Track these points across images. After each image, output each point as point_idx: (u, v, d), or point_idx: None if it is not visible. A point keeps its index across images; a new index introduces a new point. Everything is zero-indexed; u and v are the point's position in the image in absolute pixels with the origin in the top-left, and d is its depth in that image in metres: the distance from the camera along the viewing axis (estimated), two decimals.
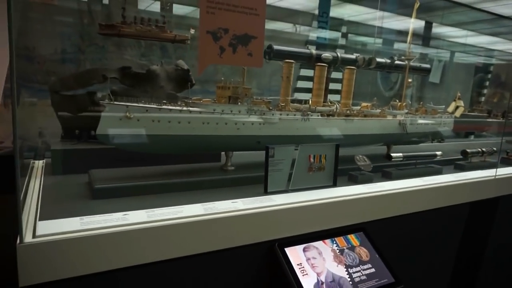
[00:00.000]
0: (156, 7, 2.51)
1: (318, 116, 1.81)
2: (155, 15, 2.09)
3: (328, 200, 1.52)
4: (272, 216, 1.38)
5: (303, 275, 1.31)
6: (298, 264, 1.34)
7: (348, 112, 1.95)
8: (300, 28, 3.81)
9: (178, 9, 2.60)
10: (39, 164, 1.77)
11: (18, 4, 2.09)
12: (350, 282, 1.37)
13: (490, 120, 3.42)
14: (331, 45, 4.09)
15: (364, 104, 2.12)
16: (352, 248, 1.51)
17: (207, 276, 1.34)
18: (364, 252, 1.51)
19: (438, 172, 2.07)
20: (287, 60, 1.76)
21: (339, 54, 2.25)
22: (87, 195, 1.39)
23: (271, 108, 1.70)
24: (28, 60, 2.18)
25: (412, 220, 1.82)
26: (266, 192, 1.52)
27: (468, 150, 2.24)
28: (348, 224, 1.59)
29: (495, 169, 2.16)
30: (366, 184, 1.74)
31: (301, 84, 3.30)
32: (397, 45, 4.46)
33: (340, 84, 3.14)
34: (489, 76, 5.21)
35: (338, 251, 1.46)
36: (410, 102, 2.31)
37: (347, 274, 1.39)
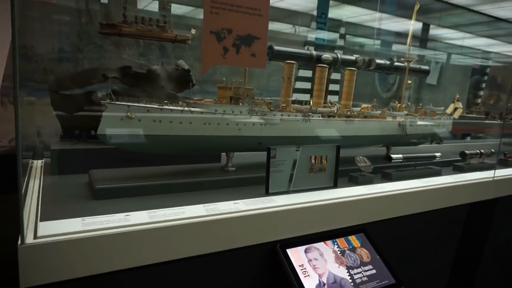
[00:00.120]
0: (154, 6, 2.51)
1: (319, 117, 1.81)
2: (153, 14, 2.08)
3: (329, 201, 1.52)
4: (274, 217, 1.38)
5: (305, 276, 1.31)
6: (300, 266, 1.34)
7: (348, 113, 1.95)
8: (299, 29, 3.82)
9: (176, 9, 2.59)
10: (38, 164, 1.76)
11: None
12: (352, 284, 1.37)
13: (488, 121, 3.45)
14: (329, 46, 4.10)
15: (364, 105, 2.12)
16: (353, 249, 1.51)
17: (208, 278, 1.33)
18: (365, 253, 1.51)
19: (437, 174, 2.08)
20: (288, 61, 1.76)
21: (339, 55, 2.26)
22: (87, 196, 1.38)
23: (272, 108, 1.70)
24: (26, 59, 2.16)
25: (412, 221, 1.83)
26: (267, 193, 1.51)
27: (467, 152, 2.25)
28: (349, 225, 1.59)
29: (493, 171, 2.18)
30: (366, 185, 1.74)
31: (299, 85, 3.30)
32: (395, 47, 4.48)
33: (338, 85, 3.15)
34: (486, 78, 5.24)
35: (339, 252, 1.46)
36: (409, 104, 2.32)
37: (348, 275, 1.39)
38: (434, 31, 4.79)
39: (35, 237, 1.01)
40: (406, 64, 2.46)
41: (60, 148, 1.62)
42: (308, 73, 3.40)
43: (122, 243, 1.10)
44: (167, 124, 1.46)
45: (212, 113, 1.52)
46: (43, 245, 0.99)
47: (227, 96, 1.61)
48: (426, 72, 2.61)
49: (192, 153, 1.68)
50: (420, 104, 2.38)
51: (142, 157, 1.57)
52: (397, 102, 2.30)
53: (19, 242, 0.98)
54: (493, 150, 2.37)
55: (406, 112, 2.22)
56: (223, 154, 1.88)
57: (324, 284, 1.32)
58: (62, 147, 1.65)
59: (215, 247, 1.28)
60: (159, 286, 1.22)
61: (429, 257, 2.06)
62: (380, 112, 2.08)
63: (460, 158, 2.32)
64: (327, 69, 1.88)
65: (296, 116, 1.73)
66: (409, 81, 2.28)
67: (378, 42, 4.33)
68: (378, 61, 2.38)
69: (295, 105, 1.83)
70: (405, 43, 4.89)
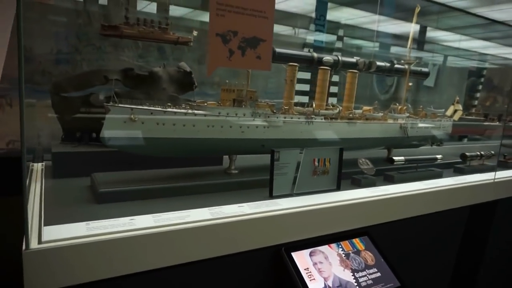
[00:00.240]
0: (152, 8, 2.49)
1: (321, 119, 1.81)
2: (151, 16, 2.07)
3: (333, 204, 1.51)
4: (279, 220, 1.37)
5: (310, 280, 1.30)
6: (305, 269, 1.33)
7: (350, 115, 1.95)
8: (298, 31, 3.82)
9: (174, 11, 2.58)
10: (38, 167, 1.74)
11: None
12: (357, 287, 1.36)
13: (487, 123, 3.47)
14: (328, 48, 4.11)
15: (365, 107, 2.12)
16: (357, 252, 1.50)
17: (213, 282, 1.32)
18: (369, 256, 1.51)
19: (439, 176, 2.08)
20: (291, 63, 1.76)
21: (340, 58, 2.26)
22: (90, 199, 1.37)
23: (275, 111, 1.69)
24: (24, 60, 2.13)
25: (414, 224, 1.83)
26: (271, 196, 1.51)
27: (467, 154, 2.26)
28: (353, 228, 1.58)
29: (494, 172, 2.19)
30: (369, 188, 1.74)
31: (298, 87, 3.30)
32: (393, 49, 4.50)
33: (337, 87, 3.16)
34: (482, 80, 5.28)
35: (344, 255, 1.46)
36: (409, 106, 2.33)
37: (353, 278, 1.39)
38: (431, 33, 4.82)
39: (40, 242, 0.99)
40: (406, 66, 2.47)
41: (61, 151, 1.60)
42: (306, 75, 3.40)
43: (127, 248, 1.08)
44: (171, 126, 1.45)
45: (216, 116, 1.51)
46: (48, 250, 0.98)
47: (230, 99, 1.60)
48: (426, 75, 2.62)
49: (195, 155, 1.67)
50: (421, 106, 2.38)
51: (143, 160, 1.56)
52: (397, 104, 2.30)
53: (24, 247, 0.96)
54: (493, 152, 2.38)
55: (407, 115, 2.22)
56: (225, 156, 1.88)
57: None
58: (63, 150, 1.63)
59: (221, 251, 1.27)
60: None
61: (430, 259, 2.06)
62: (382, 114, 2.08)
63: (460, 160, 2.32)
64: (329, 72, 1.88)
65: (299, 118, 1.73)
66: (410, 84, 2.28)
67: (376, 44, 4.35)
68: (378, 63, 2.38)
69: (298, 107, 1.82)
70: (402, 45, 4.93)
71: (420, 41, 4.65)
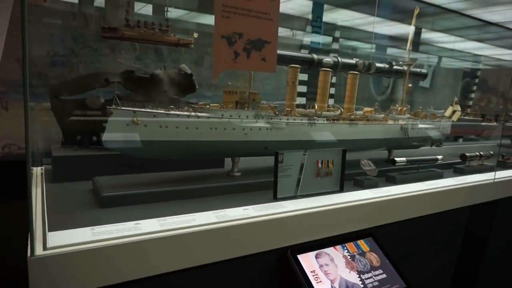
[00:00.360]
0: (148, 9, 2.48)
1: (324, 121, 1.81)
2: (147, 17, 2.05)
3: (337, 205, 1.51)
4: (284, 222, 1.36)
5: (317, 283, 1.30)
6: (311, 272, 1.32)
7: (352, 117, 1.96)
8: (295, 33, 3.83)
9: (170, 13, 2.57)
10: (38, 171, 1.71)
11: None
12: None
13: (485, 124, 3.50)
14: (324, 50, 4.12)
15: (366, 109, 2.13)
16: (362, 253, 1.50)
17: (219, 286, 1.31)
18: (374, 258, 1.50)
19: (440, 176, 2.09)
20: (292, 65, 1.75)
21: (339, 59, 2.26)
22: (93, 203, 1.35)
23: (277, 113, 1.69)
24: (19, 63, 2.11)
25: (416, 224, 1.83)
26: (275, 198, 1.50)
27: (467, 154, 2.27)
28: (357, 229, 1.58)
29: (493, 173, 2.20)
30: (372, 189, 1.74)
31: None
32: (389, 50, 4.53)
33: (334, 88, 3.16)
34: (476, 81, 5.34)
35: (349, 257, 1.45)
36: (409, 107, 2.33)
37: (359, 280, 1.38)
38: (426, 34, 4.86)
39: (45, 248, 0.97)
40: (404, 67, 2.48)
41: (62, 155, 1.57)
42: (304, 77, 3.41)
43: (134, 253, 1.07)
44: (174, 129, 1.43)
45: (219, 118, 1.50)
46: (53, 256, 0.96)
47: (233, 101, 1.59)
48: (424, 76, 2.64)
49: (198, 158, 1.65)
50: (421, 107, 2.39)
51: (143, 163, 1.54)
52: (397, 105, 2.31)
53: (29, 254, 0.94)
54: (492, 152, 2.40)
55: (408, 115, 2.23)
56: (227, 159, 1.86)
57: None
58: (64, 153, 1.60)
59: (227, 255, 1.26)
60: None
61: (432, 259, 2.07)
62: (383, 115, 2.09)
63: (460, 161, 2.34)
64: (330, 73, 1.88)
65: (301, 120, 1.72)
66: (410, 85, 2.29)
67: (372, 45, 4.38)
68: (378, 64, 2.39)
69: (299, 109, 1.82)
70: (398, 47, 4.96)
71: (415, 43, 4.68)
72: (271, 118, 1.64)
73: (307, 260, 1.35)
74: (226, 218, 1.27)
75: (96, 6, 2.40)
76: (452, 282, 2.27)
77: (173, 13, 2.67)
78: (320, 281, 1.31)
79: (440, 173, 2.10)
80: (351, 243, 1.52)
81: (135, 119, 1.36)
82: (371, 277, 1.41)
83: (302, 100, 3.17)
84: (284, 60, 1.96)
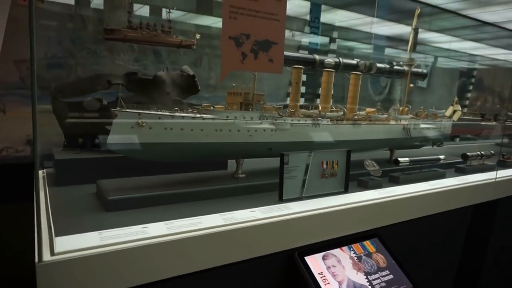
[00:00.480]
0: (145, 11, 2.47)
1: (327, 121, 1.80)
2: (144, 19, 2.04)
3: (343, 206, 1.51)
4: (291, 224, 1.36)
5: (325, 284, 1.29)
6: (319, 273, 1.32)
7: (356, 117, 1.95)
8: (294, 33, 3.83)
9: (165, 13, 2.56)
10: (39, 174, 1.69)
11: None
12: None
13: (484, 123, 3.52)
14: (322, 51, 4.13)
15: (369, 109, 2.13)
16: (369, 254, 1.50)
17: None
18: (381, 259, 1.50)
19: (442, 176, 2.09)
20: (296, 66, 1.75)
21: (341, 60, 2.26)
22: (98, 207, 1.33)
23: (281, 114, 1.68)
24: (15, 65, 2.09)
25: (419, 224, 1.83)
26: (281, 200, 1.49)
27: (468, 154, 2.28)
28: (363, 230, 1.58)
29: (494, 172, 2.21)
30: (376, 190, 1.74)
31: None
32: (387, 51, 4.54)
33: (332, 89, 3.16)
34: (473, 80, 5.37)
35: (356, 258, 1.45)
36: (410, 107, 2.34)
37: (367, 281, 1.38)
38: (423, 34, 4.88)
39: (52, 254, 0.96)
40: (405, 68, 2.48)
41: (65, 158, 1.55)
42: (303, 77, 3.40)
43: (142, 257, 1.06)
44: (179, 131, 1.42)
45: (224, 119, 1.49)
46: (62, 262, 0.94)
47: (237, 102, 1.58)
48: (425, 76, 2.64)
49: (203, 160, 1.64)
50: (422, 107, 2.40)
51: (146, 165, 1.52)
52: (398, 106, 2.31)
53: (36, 260, 0.93)
54: (492, 152, 2.41)
55: (410, 116, 2.24)
56: (229, 161, 1.85)
57: None
58: (66, 156, 1.58)
59: (234, 257, 1.25)
60: None
61: (435, 259, 2.07)
62: (386, 115, 2.09)
63: (461, 160, 2.35)
64: (333, 74, 1.88)
65: (305, 121, 1.72)
66: (411, 85, 2.30)
67: (370, 45, 4.39)
68: (379, 65, 2.39)
69: (303, 110, 1.81)
70: (395, 47, 4.96)
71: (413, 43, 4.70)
72: (276, 119, 1.63)
73: (314, 262, 1.35)
74: (233, 221, 1.26)
75: (94, 8, 2.38)
76: (454, 281, 2.27)
77: (167, 14, 2.66)
78: (328, 283, 1.30)
79: (442, 173, 2.11)
80: (357, 244, 1.51)
81: (140, 121, 1.34)
82: (378, 278, 1.41)
83: (301, 101, 3.17)
84: (286, 61, 1.95)
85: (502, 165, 2.46)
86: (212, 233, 1.18)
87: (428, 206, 1.83)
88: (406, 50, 5.22)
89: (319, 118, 1.76)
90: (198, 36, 1.83)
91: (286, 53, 1.99)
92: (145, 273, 1.07)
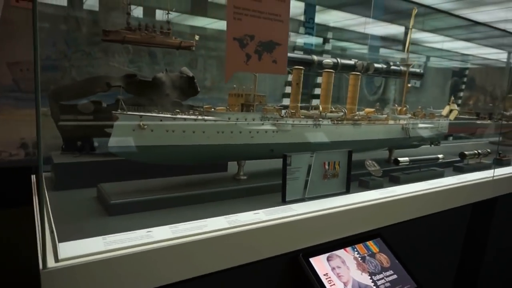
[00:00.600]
0: (138, 12, 2.44)
1: (328, 122, 1.80)
2: (138, 20, 2.03)
3: (345, 207, 1.50)
4: (295, 226, 1.35)
5: (330, 286, 1.28)
6: (324, 275, 1.31)
7: (356, 117, 1.96)
8: (290, 34, 3.82)
9: (161, 15, 2.54)
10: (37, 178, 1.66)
11: None
12: None
13: (480, 122, 3.57)
14: (316, 51, 4.14)
15: (368, 109, 2.13)
16: (372, 255, 1.50)
17: None
18: (384, 259, 1.50)
19: (441, 175, 2.11)
20: (296, 67, 1.74)
21: (339, 60, 2.27)
22: (100, 211, 1.31)
23: (282, 115, 1.68)
24: (9, 67, 2.06)
25: (419, 224, 1.84)
26: (284, 201, 1.48)
27: (466, 152, 2.30)
28: (365, 230, 1.58)
29: (492, 170, 2.23)
30: (378, 190, 1.74)
31: (289, 89, 3.30)
32: (380, 50, 4.57)
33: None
34: (465, 79, 5.43)
35: (360, 258, 1.45)
36: (407, 107, 2.35)
37: (372, 282, 1.38)
38: (416, 35, 4.92)
39: (57, 260, 0.94)
40: (401, 67, 2.50)
41: (64, 162, 1.53)
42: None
43: (148, 262, 1.04)
44: (180, 133, 1.40)
45: (226, 121, 1.48)
46: (66, 268, 0.92)
47: (238, 103, 1.57)
48: (421, 76, 2.66)
49: (204, 162, 1.63)
50: (420, 107, 2.41)
51: (145, 168, 1.50)
52: (396, 106, 2.32)
53: (41, 266, 0.91)
54: (489, 150, 2.43)
55: (409, 115, 2.25)
56: (230, 162, 1.84)
57: None
58: (65, 160, 1.56)
59: (239, 260, 1.24)
60: None
61: (435, 257, 2.08)
62: (386, 116, 2.10)
63: (459, 159, 2.36)
64: (333, 74, 1.87)
65: (307, 122, 1.72)
66: (410, 85, 2.31)
67: (364, 46, 4.42)
68: (376, 65, 2.41)
69: (304, 111, 1.81)
70: (388, 47, 4.98)
71: (405, 43, 4.74)
72: (277, 121, 1.62)
73: (319, 263, 1.34)
74: (238, 223, 1.24)
75: (88, 10, 2.36)
76: (454, 279, 2.29)
77: (163, 15, 2.64)
78: (334, 284, 1.29)
79: (441, 172, 2.12)
80: (361, 244, 1.51)
81: (141, 123, 1.33)
82: (382, 278, 1.41)
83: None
84: None
85: (498, 163, 2.49)
86: (218, 236, 1.17)
87: (428, 205, 1.83)
88: (399, 50, 5.25)
89: (320, 119, 1.75)
90: (197, 37, 1.81)
91: None
92: (151, 278, 1.05)
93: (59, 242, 1.01)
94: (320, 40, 4.15)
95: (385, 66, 2.48)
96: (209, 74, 2.88)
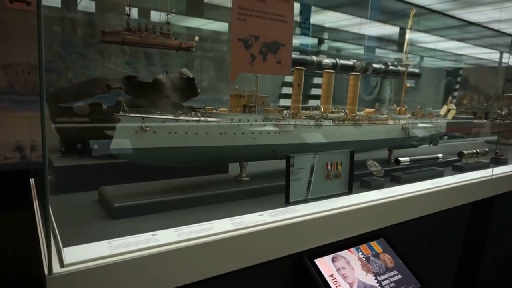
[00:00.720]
0: (134, 13, 2.42)
1: (330, 122, 1.80)
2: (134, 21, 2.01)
3: (348, 208, 1.50)
4: (299, 227, 1.34)
5: (336, 287, 1.28)
6: (329, 276, 1.31)
7: (356, 118, 1.96)
8: None
9: (155, 15, 2.53)
10: (35, 182, 1.63)
11: None
12: None
13: (477, 121, 3.60)
14: (312, 52, 4.14)
15: (368, 109, 2.14)
16: (376, 255, 1.49)
17: None
18: (388, 259, 1.50)
19: (441, 174, 2.12)
20: (297, 67, 1.74)
21: (338, 60, 2.27)
22: (103, 215, 1.29)
23: (284, 116, 1.67)
24: (3, 69, 2.03)
25: (420, 224, 1.84)
26: (287, 203, 1.48)
27: (464, 152, 2.31)
28: (369, 230, 1.58)
29: (491, 169, 2.25)
30: (379, 190, 1.74)
31: (287, 90, 3.30)
32: (376, 51, 4.60)
33: (320, 89, 3.18)
34: (459, 79, 5.48)
35: (364, 259, 1.44)
36: (406, 107, 2.36)
37: (376, 282, 1.37)
38: (410, 35, 4.94)
39: (62, 265, 0.92)
40: (399, 68, 2.51)
41: (65, 165, 1.50)
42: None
43: (153, 265, 1.03)
44: (183, 135, 1.39)
45: (228, 123, 1.47)
46: (72, 274, 0.91)
47: (240, 105, 1.56)
48: (419, 76, 2.68)
49: (207, 164, 1.62)
50: (418, 107, 2.42)
51: (146, 171, 1.49)
52: (395, 105, 2.33)
53: (46, 272, 0.89)
54: (487, 150, 2.45)
55: (409, 115, 2.26)
56: (230, 164, 1.83)
57: None
58: (66, 163, 1.53)
59: (245, 263, 1.23)
60: None
61: (436, 257, 2.09)
62: (386, 116, 2.10)
63: (457, 158, 2.38)
64: (334, 75, 1.87)
65: (308, 122, 1.71)
66: (408, 85, 2.32)
67: (359, 46, 4.43)
68: (374, 65, 2.41)
69: (304, 111, 1.81)
70: (383, 47, 5.00)
71: (400, 43, 4.77)
72: (279, 121, 1.62)
73: (324, 264, 1.34)
74: (243, 225, 1.23)
75: (84, 11, 2.33)
76: (454, 280, 2.30)
77: (158, 16, 2.63)
78: (339, 285, 1.29)
79: (441, 171, 2.13)
80: (364, 245, 1.51)
81: (143, 125, 1.31)
82: (387, 279, 1.41)
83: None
84: None
85: (496, 162, 2.51)
86: (223, 238, 1.16)
87: (430, 205, 1.84)
88: (394, 51, 5.27)
89: (321, 120, 1.75)
90: (197, 38, 1.80)
91: None
92: (157, 281, 1.04)
93: (63, 247, 1.00)
94: (315, 40, 4.16)
95: (383, 66, 2.49)
96: (206, 75, 2.87)
